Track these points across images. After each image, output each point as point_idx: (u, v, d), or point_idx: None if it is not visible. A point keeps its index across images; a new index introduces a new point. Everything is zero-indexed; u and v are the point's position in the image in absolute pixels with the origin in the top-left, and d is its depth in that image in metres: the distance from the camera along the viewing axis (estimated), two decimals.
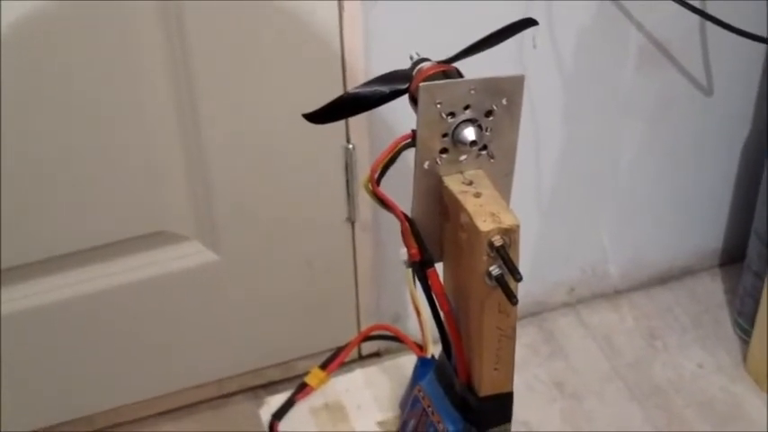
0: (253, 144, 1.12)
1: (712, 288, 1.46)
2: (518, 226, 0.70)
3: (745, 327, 1.35)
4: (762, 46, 1.26)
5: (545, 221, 1.34)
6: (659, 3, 1.16)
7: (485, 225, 0.70)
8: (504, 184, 0.76)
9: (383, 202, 0.75)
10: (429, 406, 0.84)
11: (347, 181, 1.17)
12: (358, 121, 1.13)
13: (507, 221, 0.70)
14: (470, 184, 0.74)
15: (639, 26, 1.22)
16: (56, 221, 1.09)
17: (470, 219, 0.71)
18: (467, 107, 0.72)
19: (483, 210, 0.71)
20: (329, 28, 1.07)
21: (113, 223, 1.12)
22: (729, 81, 1.31)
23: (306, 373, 1.06)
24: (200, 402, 1.28)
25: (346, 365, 1.10)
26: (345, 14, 1.06)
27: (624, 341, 1.38)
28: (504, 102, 0.72)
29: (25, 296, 1.12)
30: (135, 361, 1.22)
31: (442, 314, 0.79)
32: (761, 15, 1.25)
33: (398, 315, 1.30)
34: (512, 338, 0.76)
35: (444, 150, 0.73)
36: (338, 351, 1.06)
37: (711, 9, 1.18)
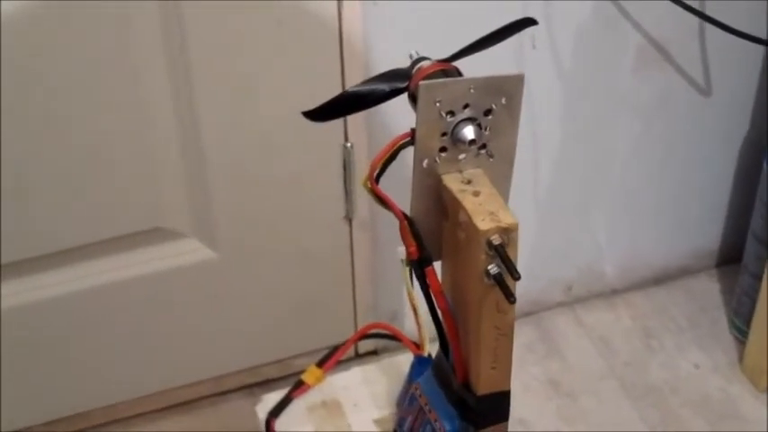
0: (251, 141, 1.12)
1: (709, 288, 1.47)
2: (516, 225, 0.70)
3: (741, 327, 1.35)
4: (760, 46, 1.26)
5: (542, 220, 1.34)
6: (657, 2, 1.16)
7: (483, 224, 0.70)
8: (503, 183, 0.76)
9: (382, 201, 0.75)
10: (426, 404, 0.84)
11: (345, 179, 1.17)
12: (356, 120, 1.13)
13: (506, 220, 0.70)
14: (469, 182, 0.74)
15: (637, 26, 1.22)
16: (51, 218, 1.09)
17: (469, 217, 0.71)
18: (466, 106, 0.71)
19: (482, 209, 0.71)
20: (329, 26, 1.07)
21: (110, 220, 1.12)
22: (728, 81, 1.31)
23: (303, 371, 1.06)
24: (197, 400, 1.28)
25: (344, 363, 1.10)
26: (345, 12, 1.06)
27: (620, 340, 1.39)
28: (503, 101, 0.72)
29: (18, 293, 1.12)
30: (131, 358, 1.22)
31: (439, 313, 0.79)
32: (759, 15, 1.25)
33: (396, 313, 1.30)
34: (509, 337, 0.76)
35: (443, 149, 0.73)
36: (335, 349, 1.05)
37: (710, 9, 1.18)
